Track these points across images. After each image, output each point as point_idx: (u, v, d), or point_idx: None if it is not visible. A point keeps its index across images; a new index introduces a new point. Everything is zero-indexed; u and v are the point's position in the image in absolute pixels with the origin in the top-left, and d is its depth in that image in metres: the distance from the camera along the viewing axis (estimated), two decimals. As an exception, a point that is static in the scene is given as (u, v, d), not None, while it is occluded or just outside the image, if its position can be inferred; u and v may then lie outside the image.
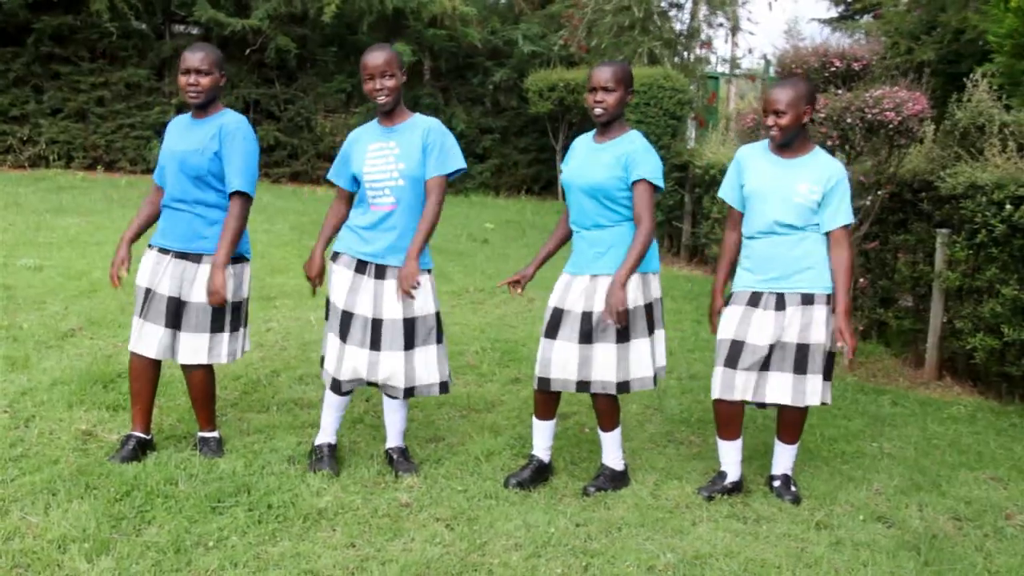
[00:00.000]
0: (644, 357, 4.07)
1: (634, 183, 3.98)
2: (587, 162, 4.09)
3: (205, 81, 4.13)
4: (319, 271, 4.32)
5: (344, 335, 4.11)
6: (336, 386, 4.17)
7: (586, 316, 4.02)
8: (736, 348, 4.06)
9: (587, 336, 4.01)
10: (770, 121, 4.03)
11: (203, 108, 4.21)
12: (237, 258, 4.23)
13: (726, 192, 4.29)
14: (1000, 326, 5.71)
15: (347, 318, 4.11)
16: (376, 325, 4.08)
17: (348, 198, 4.32)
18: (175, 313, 4.15)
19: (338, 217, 4.32)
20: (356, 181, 4.23)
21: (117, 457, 4.13)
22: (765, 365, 4.06)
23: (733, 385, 4.07)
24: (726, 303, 4.21)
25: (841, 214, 4.03)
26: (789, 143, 4.09)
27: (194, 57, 4.13)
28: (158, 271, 4.15)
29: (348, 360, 4.11)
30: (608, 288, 3.92)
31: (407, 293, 4.01)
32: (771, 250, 4.07)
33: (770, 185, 4.07)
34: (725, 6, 13.02)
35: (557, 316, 4.09)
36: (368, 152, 4.15)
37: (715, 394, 4.13)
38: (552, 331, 4.08)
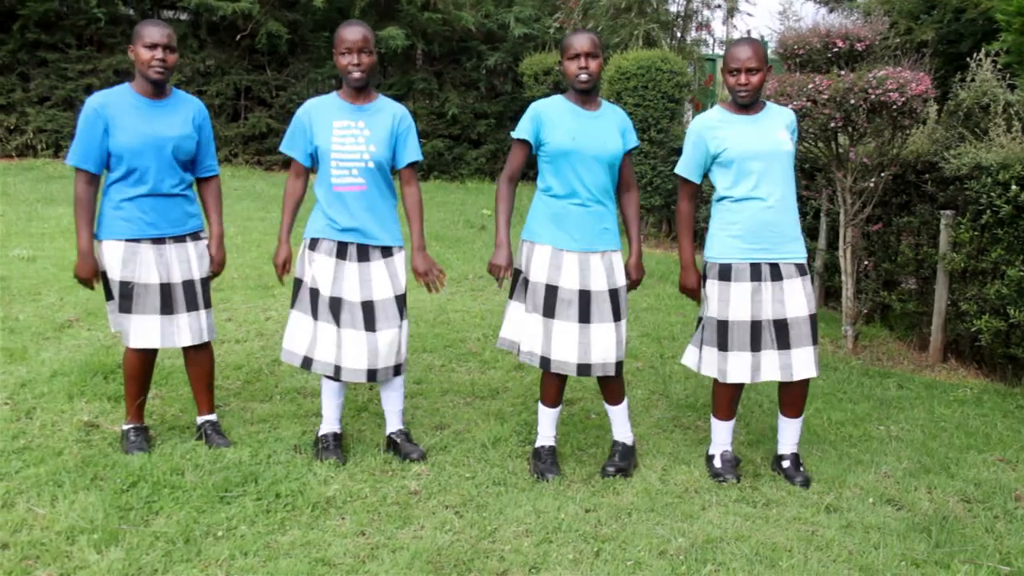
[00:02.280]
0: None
1: (629, 151, 4.15)
2: (595, 131, 4.07)
3: (171, 59, 4.07)
4: (287, 258, 4.31)
5: (338, 320, 4.11)
6: (337, 372, 4.16)
7: (613, 293, 4.08)
8: (756, 329, 4.07)
9: (618, 314, 4.10)
10: (742, 79, 4.02)
11: (162, 85, 4.14)
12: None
13: (684, 166, 4.21)
14: (1006, 307, 5.74)
15: (336, 304, 4.11)
16: (367, 307, 4.10)
17: (306, 174, 4.30)
18: (200, 294, 4.23)
19: (297, 197, 4.33)
20: (312, 157, 4.21)
21: (131, 447, 4.15)
22: (785, 343, 4.07)
23: (760, 368, 4.08)
24: (720, 276, 4.13)
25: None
26: (754, 102, 4.12)
27: (162, 32, 4.03)
28: (164, 262, 4.14)
29: (347, 344, 4.12)
30: (635, 262, 4.19)
31: (432, 285, 4.25)
32: (765, 216, 4.05)
33: (751, 141, 4.06)
34: (722, -13, 13.02)
35: (586, 298, 4.05)
36: (334, 129, 4.12)
37: (741, 379, 4.10)
38: (585, 315, 4.05)
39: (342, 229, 4.13)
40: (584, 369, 4.08)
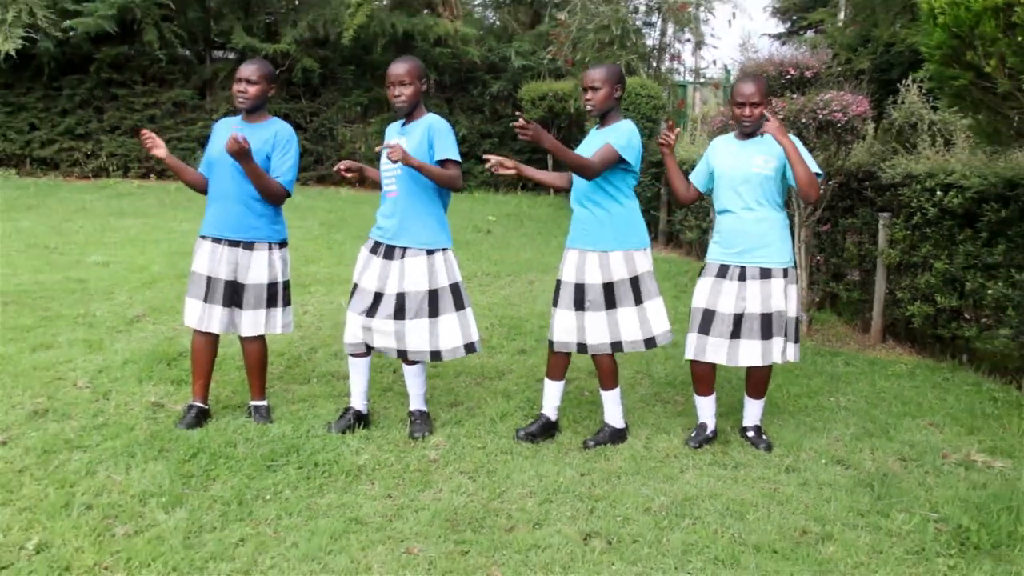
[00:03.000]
0: (632, 323, 4.05)
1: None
2: (586, 146, 4.09)
3: (252, 90, 4.11)
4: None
5: (351, 304, 4.15)
6: (352, 348, 4.16)
7: (578, 287, 4.03)
8: (708, 316, 4.08)
9: (580, 304, 4.03)
10: (746, 112, 4.01)
11: (251, 112, 4.18)
12: (282, 243, 4.28)
13: (693, 176, 4.34)
14: (934, 295, 5.72)
15: (354, 289, 4.15)
16: (377, 297, 4.06)
17: None
18: (233, 293, 4.16)
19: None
20: None
21: (183, 424, 4.12)
22: (736, 334, 4.04)
23: (705, 348, 4.09)
24: (698, 274, 4.23)
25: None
26: (755, 130, 4.09)
27: (246, 69, 4.15)
28: (215, 259, 4.14)
29: (351, 326, 4.14)
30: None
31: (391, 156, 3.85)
32: (737, 226, 4.05)
33: (732, 163, 4.09)
34: (690, 24, 12.93)
35: (558, 286, 4.13)
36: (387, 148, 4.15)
37: (689, 355, 4.15)
38: (555, 300, 4.15)
39: (379, 227, 4.16)
40: (550, 344, 4.16)
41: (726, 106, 4.94)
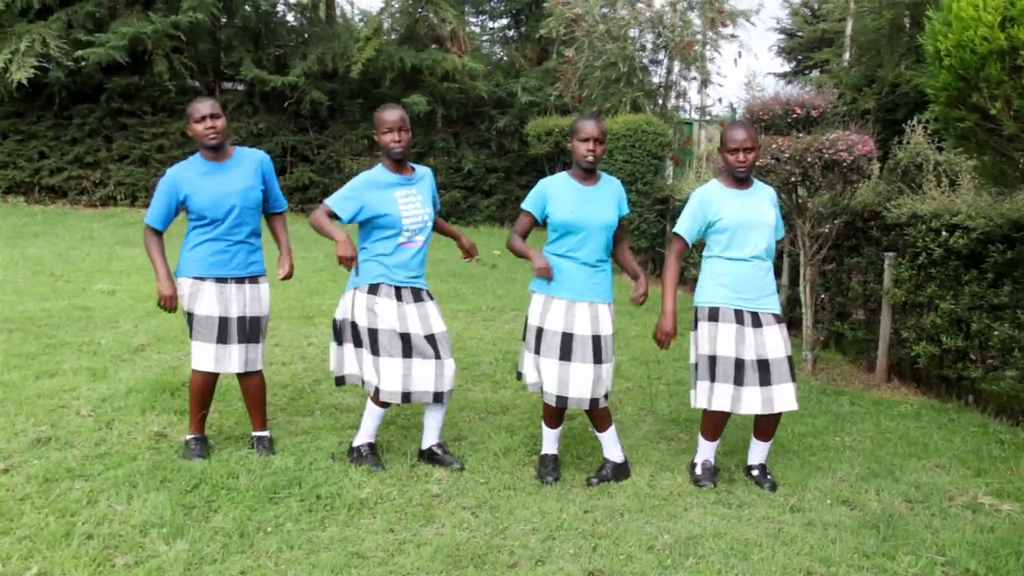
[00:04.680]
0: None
1: (623, 217, 4.12)
2: (595, 204, 4.02)
3: (220, 123, 4.07)
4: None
5: (408, 352, 3.99)
6: (406, 398, 4.01)
7: (596, 339, 3.96)
8: (740, 366, 3.99)
9: (598, 356, 3.97)
10: (741, 157, 3.99)
11: (220, 148, 4.11)
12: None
13: (685, 229, 4.11)
14: (939, 335, 5.72)
15: (407, 339, 3.99)
16: (431, 339, 4.03)
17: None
18: (249, 329, 4.17)
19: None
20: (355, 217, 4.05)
21: (192, 455, 4.12)
22: (767, 380, 4.00)
23: (740, 399, 4.00)
24: (709, 318, 4.10)
25: (782, 227, 4.22)
26: (748, 177, 4.09)
27: (205, 104, 4.07)
28: (224, 299, 4.12)
29: (417, 371, 3.99)
30: (642, 280, 4.07)
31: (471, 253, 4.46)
32: (749, 272, 4.03)
33: (750, 215, 4.03)
34: (696, 62, 13.06)
35: (568, 340, 3.96)
36: (399, 200, 4.06)
37: (723, 407, 4.02)
38: (567, 354, 3.96)
39: (401, 279, 4.06)
40: (562, 401, 4.00)
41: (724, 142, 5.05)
